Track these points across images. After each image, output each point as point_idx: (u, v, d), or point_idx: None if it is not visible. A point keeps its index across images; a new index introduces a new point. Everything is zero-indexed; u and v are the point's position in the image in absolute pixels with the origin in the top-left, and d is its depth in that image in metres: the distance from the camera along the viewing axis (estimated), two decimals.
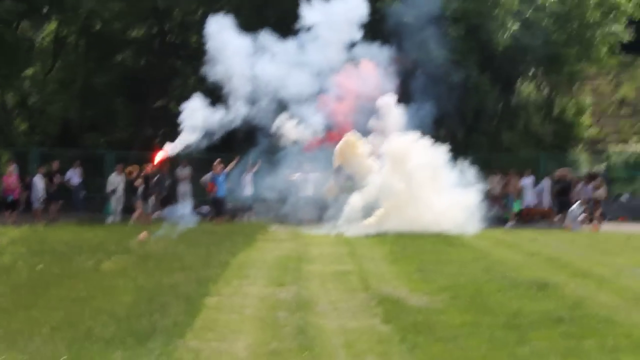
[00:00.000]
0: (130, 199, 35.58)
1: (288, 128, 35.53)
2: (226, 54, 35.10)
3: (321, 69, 35.90)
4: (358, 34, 36.61)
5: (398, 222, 32.45)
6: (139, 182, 34.60)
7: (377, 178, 34.48)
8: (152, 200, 35.09)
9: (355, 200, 34.33)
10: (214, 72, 34.88)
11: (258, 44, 36.02)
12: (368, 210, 34.04)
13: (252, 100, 35.08)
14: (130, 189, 35.03)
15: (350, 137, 36.74)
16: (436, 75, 36.98)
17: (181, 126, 32.49)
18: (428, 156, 33.92)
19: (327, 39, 36.51)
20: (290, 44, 36.42)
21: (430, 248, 25.59)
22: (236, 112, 34.46)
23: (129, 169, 35.52)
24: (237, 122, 34.37)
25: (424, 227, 31.47)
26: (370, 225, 33.20)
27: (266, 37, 36.24)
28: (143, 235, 28.09)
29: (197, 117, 33.64)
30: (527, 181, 40.67)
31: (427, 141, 34.53)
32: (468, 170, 33.70)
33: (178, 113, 33.48)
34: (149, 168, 34.99)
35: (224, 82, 34.97)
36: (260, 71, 35.45)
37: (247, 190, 37.03)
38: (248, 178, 36.98)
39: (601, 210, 38.30)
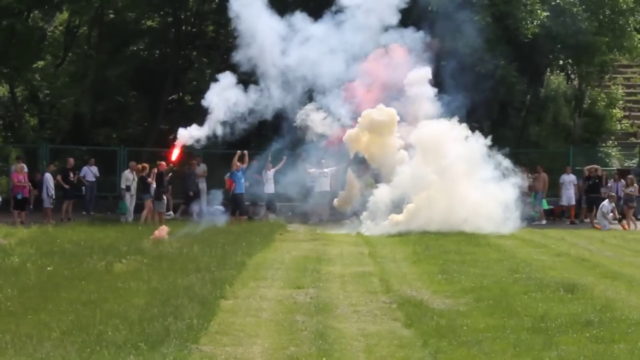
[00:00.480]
0: (141, 197, 35.47)
1: (314, 120, 35.52)
2: (257, 37, 35.16)
3: (353, 54, 35.68)
4: (394, 18, 36.29)
5: (428, 218, 32.20)
6: (150, 180, 34.53)
7: (407, 169, 33.83)
8: (165, 199, 34.97)
9: (382, 194, 33.91)
10: (244, 55, 34.91)
11: (290, 26, 36.04)
12: (396, 206, 33.77)
13: (282, 87, 35.08)
14: (142, 186, 34.94)
15: (378, 112, 35.68)
16: (464, 65, 36.76)
17: (208, 104, 32.44)
18: (464, 147, 33.56)
19: (363, 21, 36.17)
20: (322, 26, 36.20)
21: (454, 248, 25.52)
22: (268, 98, 34.58)
23: (140, 165, 35.44)
24: (269, 109, 34.51)
25: (456, 224, 31.45)
26: (398, 222, 32.88)
27: (298, 18, 36.19)
28: (158, 234, 28.18)
29: (227, 97, 33.82)
30: (568, 178, 40.44)
31: (462, 130, 34.12)
32: (504, 163, 33.53)
33: (194, 107, 33.50)
34: (162, 165, 34.91)
35: (254, 67, 35.00)
36: (291, 55, 35.40)
37: (269, 187, 36.68)
38: (270, 175, 36.61)
39: (634, 209, 38.17)
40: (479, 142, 33.74)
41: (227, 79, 33.43)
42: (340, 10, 36.84)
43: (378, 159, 35.92)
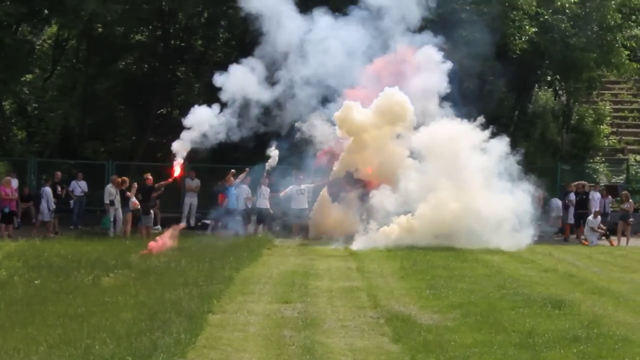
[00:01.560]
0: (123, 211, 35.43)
1: (318, 131, 35.67)
2: (280, 33, 35.56)
3: (362, 59, 35.75)
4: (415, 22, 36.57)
5: (435, 229, 32.29)
6: (129, 194, 34.50)
7: (415, 176, 33.54)
8: (152, 213, 34.93)
9: (384, 202, 33.67)
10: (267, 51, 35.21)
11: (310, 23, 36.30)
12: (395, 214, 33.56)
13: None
14: (122, 200, 34.94)
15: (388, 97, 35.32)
16: (452, 78, 36.87)
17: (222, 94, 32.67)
18: (482, 155, 33.49)
19: (380, 24, 36.37)
20: (337, 27, 36.37)
21: (442, 263, 25.60)
22: (285, 91, 34.95)
23: (120, 179, 35.41)
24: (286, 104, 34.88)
25: (464, 238, 31.68)
26: (393, 233, 32.70)
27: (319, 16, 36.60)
28: (153, 245, 28.25)
29: (239, 84, 34.00)
30: (572, 196, 40.13)
31: (479, 134, 34.01)
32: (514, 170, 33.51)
33: (181, 120, 33.43)
34: (149, 179, 34.91)
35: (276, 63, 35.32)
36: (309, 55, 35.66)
37: (262, 202, 36.52)
38: (264, 189, 36.56)
39: (630, 225, 38.18)
40: (498, 148, 33.60)
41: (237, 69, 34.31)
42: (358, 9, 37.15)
43: (379, 167, 35.48)
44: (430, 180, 32.90)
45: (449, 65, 35.66)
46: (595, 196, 38.58)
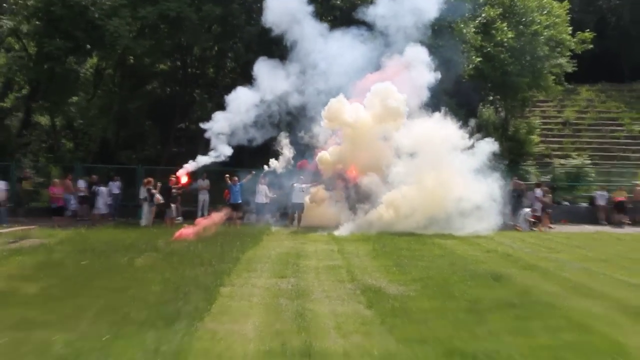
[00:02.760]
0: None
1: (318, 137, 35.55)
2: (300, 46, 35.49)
3: (357, 72, 35.05)
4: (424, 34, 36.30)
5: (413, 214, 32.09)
6: (154, 191, 34.59)
7: (402, 169, 32.96)
8: (172, 207, 34.95)
9: (371, 186, 33.65)
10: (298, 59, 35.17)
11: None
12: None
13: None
14: (148, 196, 34.96)
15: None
16: None
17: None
18: (468, 156, 33.10)
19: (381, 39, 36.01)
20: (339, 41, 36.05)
21: (406, 246, 25.55)
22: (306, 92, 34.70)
23: (146, 180, 35.51)
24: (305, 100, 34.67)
25: (443, 223, 31.74)
26: (379, 216, 32.60)
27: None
28: (182, 233, 28.34)
29: (269, 79, 34.04)
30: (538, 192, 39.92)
31: (464, 138, 33.61)
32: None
33: (197, 133, 33.46)
34: (171, 180, 35.01)
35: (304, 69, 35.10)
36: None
37: (260, 197, 36.44)
38: (260, 188, 36.40)
39: (549, 214, 38.37)
40: (485, 149, 33.45)
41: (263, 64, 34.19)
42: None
43: (365, 164, 34.71)
44: (415, 171, 32.47)
45: (433, 63, 35.25)
46: (537, 192, 38.52)
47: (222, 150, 32.68)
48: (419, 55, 35.01)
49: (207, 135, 33.02)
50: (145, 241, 26.09)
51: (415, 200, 32.18)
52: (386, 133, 34.62)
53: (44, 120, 49.52)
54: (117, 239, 26.92)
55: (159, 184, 35.01)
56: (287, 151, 35.33)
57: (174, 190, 34.74)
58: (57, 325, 12.93)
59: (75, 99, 47.10)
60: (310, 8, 36.75)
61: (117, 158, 44.56)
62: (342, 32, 36.37)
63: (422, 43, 35.83)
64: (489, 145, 33.55)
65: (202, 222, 30.54)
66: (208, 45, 45.59)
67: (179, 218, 35.71)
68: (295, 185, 35.22)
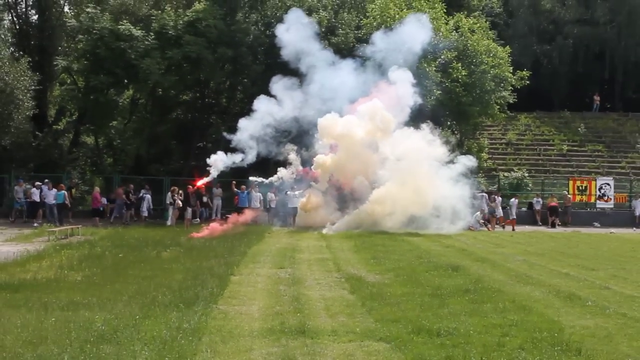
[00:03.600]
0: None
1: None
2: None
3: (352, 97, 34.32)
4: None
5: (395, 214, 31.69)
6: (175, 197, 34.57)
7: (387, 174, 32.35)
8: (189, 210, 34.77)
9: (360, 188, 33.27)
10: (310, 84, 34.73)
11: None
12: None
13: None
14: (172, 202, 34.83)
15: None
16: None
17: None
18: (447, 167, 32.95)
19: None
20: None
21: (381, 242, 25.45)
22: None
23: (172, 188, 35.49)
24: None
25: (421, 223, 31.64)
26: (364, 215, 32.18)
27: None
28: (202, 232, 28.22)
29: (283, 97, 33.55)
30: (513, 201, 40.19)
31: (441, 150, 33.23)
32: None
33: (213, 150, 33.23)
34: (189, 188, 34.91)
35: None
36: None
37: (254, 203, 35.93)
38: (254, 195, 36.09)
39: (500, 217, 38.27)
40: (465, 162, 33.52)
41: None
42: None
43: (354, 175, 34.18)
44: (398, 175, 31.92)
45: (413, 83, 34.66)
46: (498, 200, 38.43)
47: (248, 154, 32.49)
48: (402, 75, 34.32)
49: (235, 137, 32.81)
50: (169, 238, 25.98)
51: (397, 199, 31.64)
52: (375, 144, 34.06)
53: (89, 140, 49.49)
54: (147, 236, 26.81)
55: (180, 191, 34.92)
56: (295, 161, 34.89)
57: (191, 197, 34.72)
58: (97, 306, 12.81)
59: (114, 123, 47.07)
60: (317, 45, 36.80)
61: (148, 171, 44.36)
62: (342, 63, 36.06)
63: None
64: (468, 160, 33.52)
65: (214, 226, 30.22)
66: (221, 80, 45.52)
67: (197, 220, 35.54)
68: (289, 192, 35.05)
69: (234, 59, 41.90)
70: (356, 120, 33.99)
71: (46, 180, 35.57)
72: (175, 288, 14.58)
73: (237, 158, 31.91)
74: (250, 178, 35.07)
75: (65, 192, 34.77)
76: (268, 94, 34.34)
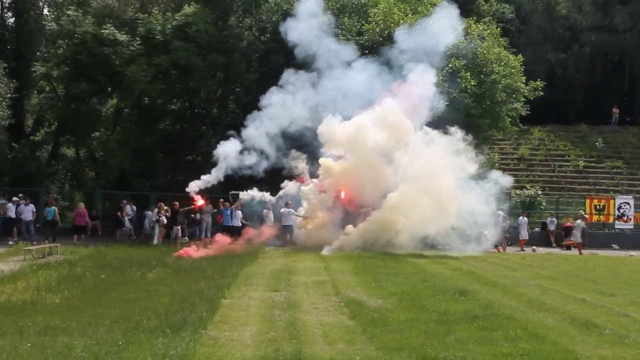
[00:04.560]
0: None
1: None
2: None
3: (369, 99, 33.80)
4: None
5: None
6: (162, 214, 34.85)
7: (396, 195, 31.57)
8: (176, 229, 34.79)
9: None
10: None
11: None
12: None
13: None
14: (156, 219, 34.93)
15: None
16: None
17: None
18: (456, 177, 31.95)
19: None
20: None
21: (383, 264, 25.44)
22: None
23: (159, 204, 35.58)
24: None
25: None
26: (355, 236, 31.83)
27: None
28: (183, 252, 28.21)
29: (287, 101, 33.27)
30: (522, 220, 40.13)
31: (459, 161, 32.50)
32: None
33: (203, 164, 33.26)
34: (175, 205, 34.91)
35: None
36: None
37: (235, 222, 35.12)
38: (238, 213, 35.17)
39: (507, 238, 38.28)
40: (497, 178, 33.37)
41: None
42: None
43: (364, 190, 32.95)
44: (412, 197, 31.23)
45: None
46: (524, 220, 38.56)
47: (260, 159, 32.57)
48: (424, 74, 34.11)
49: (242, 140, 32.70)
50: (155, 258, 25.99)
51: (414, 208, 31.18)
52: (390, 154, 33.11)
53: (69, 152, 49.58)
54: (131, 255, 26.83)
55: (165, 208, 34.96)
56: (304, 170, 34.79)
57: (181, 210, 34.71)
58: (77, 331, 12.81)
59: (97, 134, 47.05)
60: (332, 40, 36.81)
61: (133, 185, 44.40)
62: (359, 62, 35.81)
63: None
64: (501, 177, 33.78)
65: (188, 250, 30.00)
66: (213, 89, 45.71)
67: (185, 238, 35.52)
68: (283, 210, 34.93)
69: (226, 66, 41.93)
70: (369, 124, 33.14)
71: (20, 195, 35.55)
72: (161, 312, 14.59)
73: (251, 159, 31.84)
74: (231, 193, 34.91)
75: (56, 208, 34.95)
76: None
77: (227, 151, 31.94)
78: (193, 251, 28.92)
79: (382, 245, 31.82)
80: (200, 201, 33.86)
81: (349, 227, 32.82)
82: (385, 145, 33.07)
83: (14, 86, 39.91)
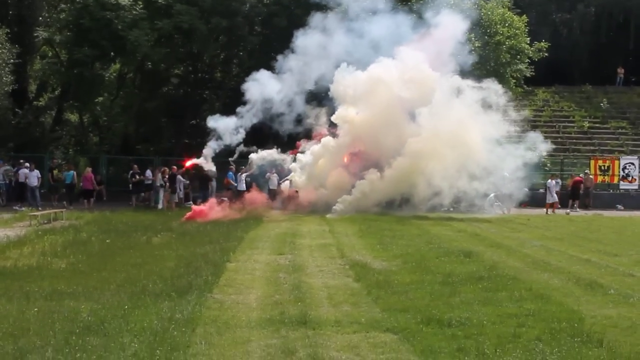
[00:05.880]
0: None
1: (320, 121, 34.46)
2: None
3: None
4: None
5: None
6: (166, 178, 34.94)
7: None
8: (178, 193, 35.02)
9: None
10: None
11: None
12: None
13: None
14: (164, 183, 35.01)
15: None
16: None
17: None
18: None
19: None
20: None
21: (387, 227, 25.41)
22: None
23: (163, 169, 35.56)
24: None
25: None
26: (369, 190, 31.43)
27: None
28: (190, 215, 28.28)
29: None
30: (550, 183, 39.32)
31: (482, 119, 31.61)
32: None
33: (207, 128, 33.09)
34: (173, 169, 34.94)
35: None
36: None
37: (241, 186, 35.11)
38: (241, 177, 35.20)
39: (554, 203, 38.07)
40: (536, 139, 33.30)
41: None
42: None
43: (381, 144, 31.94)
44: (434, 146, 30.51)
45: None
46: (552, 183, 38.35)
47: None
48: (452, 19, 33.37)
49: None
50: (160, 222, 26.03)
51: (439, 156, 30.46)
52: (411, 111, 32.13)
53: (73, 117, 49.42)
54: (137, 220, 26.88)
55: (167, 172, 34.98)
56: (325, 126, 34.49)
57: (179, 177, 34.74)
58: (83, 296, 12.84)
59: (100, 99, 46.92)
60: None
61: (137, 150, 44.39)
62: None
63: None
64: (538, 139, 33.63)
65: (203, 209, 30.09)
66: (216, 52, 45.56)
67: (189, 202, 35.52)
68: (268, 175, 34.93)
69: (229, 29, 41.78)
70: (387, 77, 32.06)
71: (21, 161, 35.52)
72: (166, 276, 14.62)
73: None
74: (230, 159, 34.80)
75: (74, 172, 35.56)
76: (266, 67, 34.07)
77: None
78: (209, 209, 29.04)
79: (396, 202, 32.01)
80: (188, 162, 33.83)
81: (369, 176, 32.10)
82: (407, 101, 31.95)
83: (16, 52, 39.68)
